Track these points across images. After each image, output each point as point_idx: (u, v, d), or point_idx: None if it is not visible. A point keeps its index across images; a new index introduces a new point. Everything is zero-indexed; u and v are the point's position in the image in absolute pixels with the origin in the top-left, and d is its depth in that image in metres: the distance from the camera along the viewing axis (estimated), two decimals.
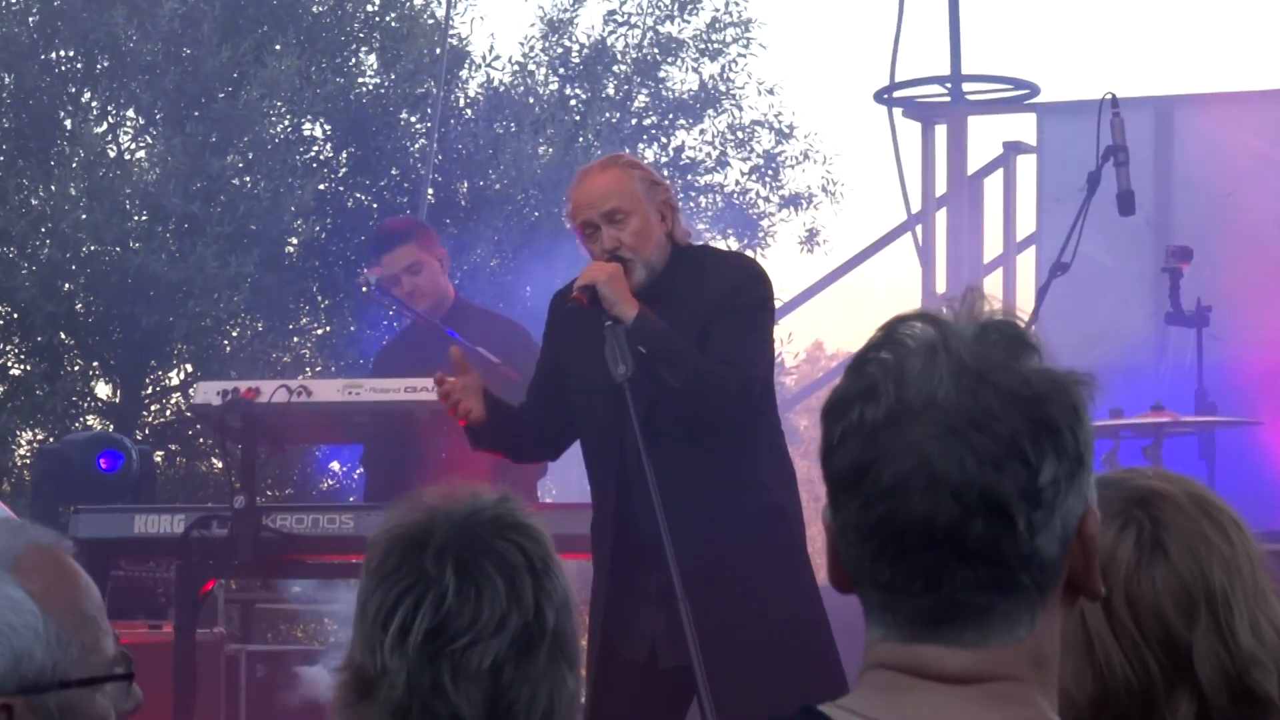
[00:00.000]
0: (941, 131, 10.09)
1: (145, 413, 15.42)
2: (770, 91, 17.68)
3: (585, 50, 16.72)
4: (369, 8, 15.80)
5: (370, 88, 15.67)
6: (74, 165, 14.57)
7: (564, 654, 2.39)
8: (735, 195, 17.19)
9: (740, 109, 17.17)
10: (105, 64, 14.86)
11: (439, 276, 7.48)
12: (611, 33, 16.87)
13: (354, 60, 15.75)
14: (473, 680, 2.33)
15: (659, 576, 5.08)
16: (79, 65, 15.00)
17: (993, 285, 10.03)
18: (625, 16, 16.90)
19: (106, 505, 7.16)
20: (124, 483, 8.20)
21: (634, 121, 16.87)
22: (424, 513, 2.41)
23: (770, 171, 17.22)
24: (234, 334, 15.29)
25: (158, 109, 14.84)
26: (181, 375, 15.53)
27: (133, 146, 15.45)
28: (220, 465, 13.78)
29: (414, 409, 6.50)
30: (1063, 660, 2.08)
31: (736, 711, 4.89)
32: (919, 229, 10.12)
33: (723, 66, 17.01)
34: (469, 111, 16.14)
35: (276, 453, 7.94)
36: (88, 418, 15.30)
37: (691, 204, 16.69)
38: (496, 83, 16.40)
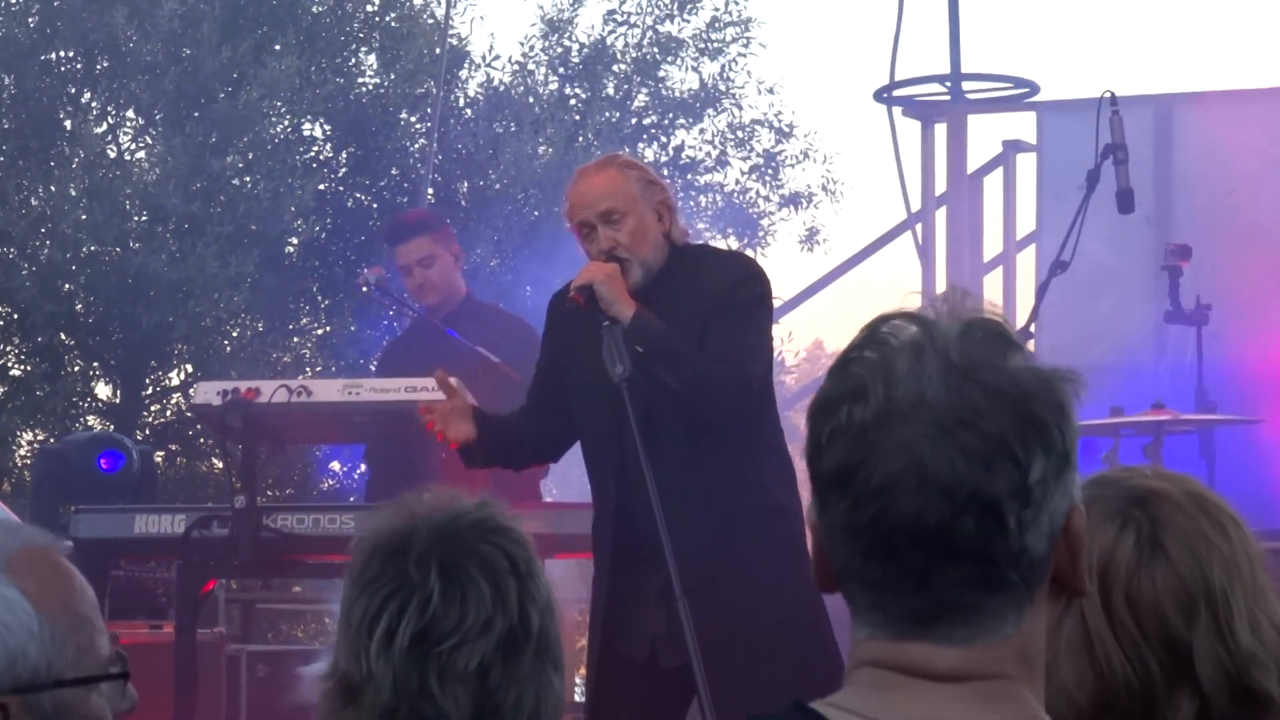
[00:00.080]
0: (941, 130, 10.08)
1: (146, 413, 15.43)
2: (770, 91, 17.72)
3: (585, 50, 16.72)
4: (369, 8, 15.80)
5: (370, 88, 15.67)
6: (74, 166, 14.57)
7: (549, 655, 2.40)
8: (735, 194, 17.19)
9: (740, 108, 17.18)
10: (105, 64, 14.86)
11: (452, 271, 7.45)
12: (611, 32, 16.87)
13: (354, 60, 15.75)
14: (460, 682, 2.33)
15: (659, 576, 5.07)
16: (79, 65, 15.00)
17: (993, 283, 10.03)
18: (625, 16, 16.90)
19: (107, 505, 7.16)
20: (124, 483, 8.20)
21: (634, 121, 16.87)
22: (404, 519, 2.42)
23: (770, 170, 17.22)
24: (234, 334, 15.30)
25: (158, 109, 14.85)
26: (182, 375, 15.54)
27: (133, 147, 15.46)
28: (220, 465, 13.78)
29: (414, 409, 6.49)
30: (1064, 660, 2.09)
31: (737, 711, 4.89)
32: (919, 227, 10.12)
33: (722, 66, 17.02)
34: (469, 111, 16.14)
35: (277, 453, 7.94)
36: (88, 418, 15.31)
37: (691, 203, 16.70)
38: (496, 82, 16.40)
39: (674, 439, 5.17)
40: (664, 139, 17.05)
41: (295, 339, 15.91)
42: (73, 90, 15.11)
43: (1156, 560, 2.13)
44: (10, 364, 15.17)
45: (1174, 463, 6.84)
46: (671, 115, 16.96)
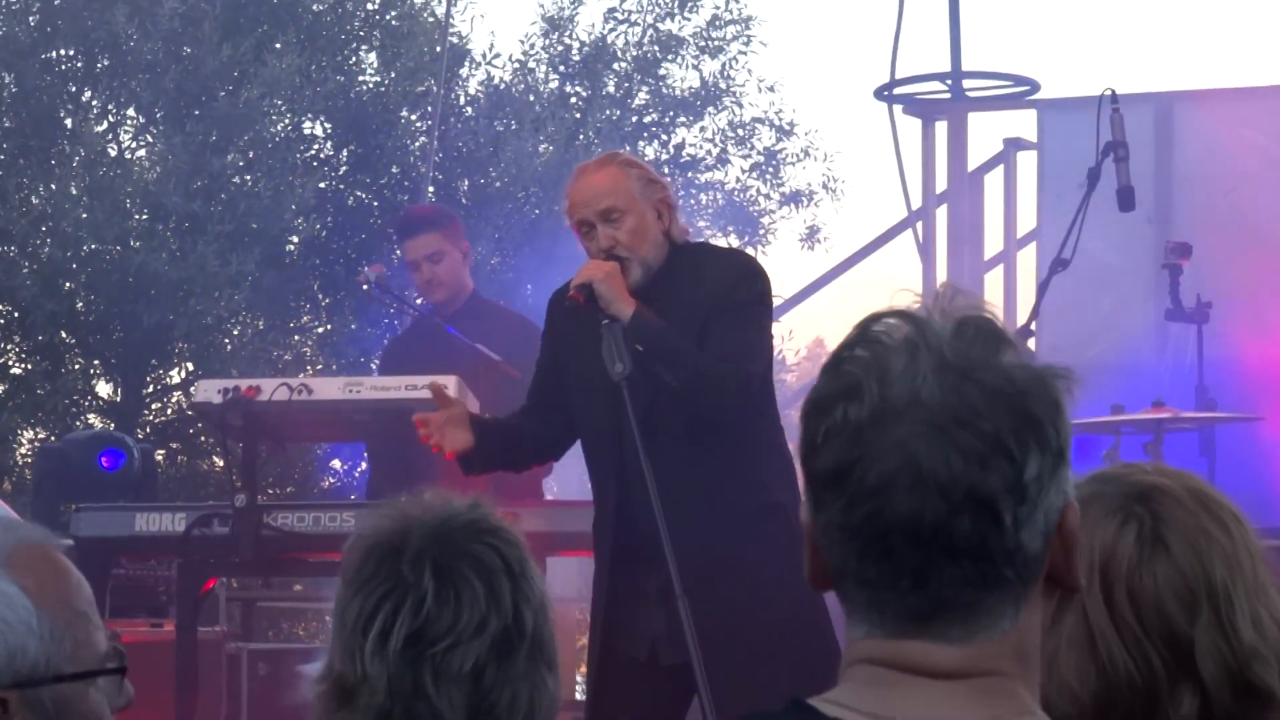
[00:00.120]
0: (942, 128, 10.08)
1: (146, 411, 15.44)
2: (770, 89, 17.74)
3: (585, 48, 16.72)
4: (369, 6, 15.81)
5: (370, 86, 15.68)
6: (74, 164, 14.58)
7: (543, 656, 2.40)
8: (736, 192, 17.20)
9: (741, 106, 17.20)
10: (106, 63, 14.87)
11: (460, 268, 7.42)
12: (612, 30, 16.88)
13: (354, 59, 15.76)
14: (454, 683, 2.34)
15: (659, 575, 5.07)
16: (79, 64, 15.01)
17: (993, 281, 10.03)
18: (625, 14, 16.91)
19: (108, 504, 7.16)
20: (125, 481, 8.20)
21: (634, 119, 16.88)
22: (397, 521, 2.42)
23: (771, 169, 17.23)
24: (235, 332, 15.30)
25: (158, 108, 14.85)
26: (182, 374, 15.55)
27: (133, 145, 15.46)
28: (221, 463, 13.79)
29: (415, 407, 6.48)
30: (1065, 655, 2.08)
31: (737, 709, 4.88)
32: (919, 225, 10.11)
33: (723, 64, 17.03)
34: (469, 109, 16.15)
35: (277, 451, 7.92)
36: (89, 416, 15.32)
37: (692, 201, 16.71)
38: (497, 80, 16.41)
39: (674, 438, 5.17)
40: (664, 137, 17.07)
41: (296, 337, 15.92)
42: (73, 89, 15.11)
43: (1158, 556, 2.13)
44: (11, 362, 15.17)
45: (1174, 460, 6.83)
46: (672, 113, 16.97)
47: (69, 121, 14.99)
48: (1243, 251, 8.77)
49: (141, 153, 15.30)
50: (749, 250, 16.17)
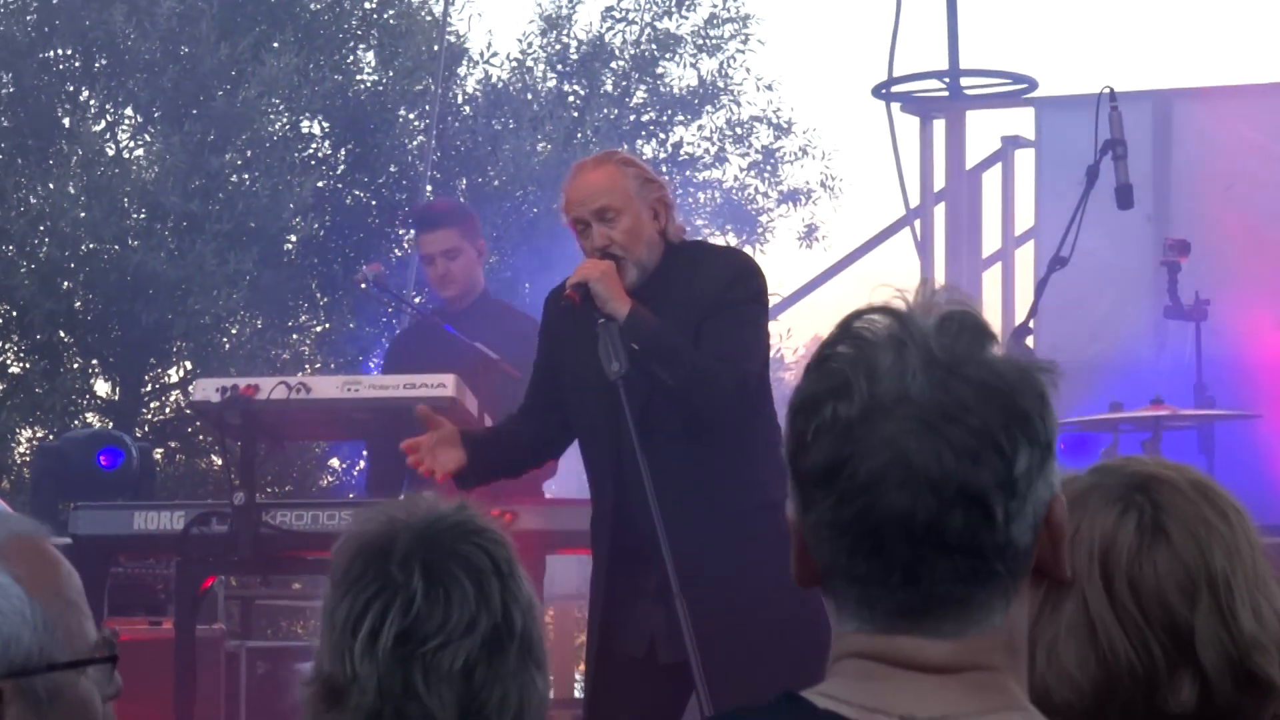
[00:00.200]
0: (940, 126, 10.08)
1: (145, 410, 15.44)
2: (768, 87, 17.72)
3: (583, 46, 16.73)
4: (367, 5, 15.81)
5: (368, 85, 15.68)
6: (73, 163, 14.58)
7: (531, 655, 2.40)
8: (734, 191, 17.21)
9: (739, 104, 17.20)
10: (103, 62, 14.86)
11: (474, 266, 7.37)
12: (609, 29, 16.88)
13: (352, 58, 15.76)
14: (445, 682, 2.34)
15: (657, 574, 5.07)
16: (77, 63, 15.00)
17: (992, 279, 10.03)
18: (623, 13, 16.91)
19: (106, 502, 7.16)
20: (124, 480, 8.20)
21: (632, 117, 16.88)
22: (384, 522, 2.42)
23: (769, 167, 17.23)
24: (233, 331, 15.31)
25: (156, 107, 14.85)
26: (181, 372, 15.56)
27: (131, 144, 15.46)
28: (220, 462, 13.79)
29: (413, 405, 6.49)
30: (1065, 643, 2.08)
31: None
32: (918, 223, 10.11)
33: (721, 62, 17.04)
34: (467, 108, 16.15)
35: (276, 449, 7.92)
36: (87, 415, 15.32)
37: (690, 200, 16.72)
38: (495, 79, 16.41)
39: (670, 436, 5.16)
40: (662, 135, 17.07)
41: (294, 336, 15.92)
42: (71, 88, 15.11)
43: (1158, 544, 2.13)
44: (9, 361, 15.18)
45: (1173, 458, 6.82)
46: (670, 112, 16.97)
47: (67, 121, 14.99)
48: (1241, 249, 8.77)
49: (139, 152, 15.30)
50: (747, 249, 16.17)
